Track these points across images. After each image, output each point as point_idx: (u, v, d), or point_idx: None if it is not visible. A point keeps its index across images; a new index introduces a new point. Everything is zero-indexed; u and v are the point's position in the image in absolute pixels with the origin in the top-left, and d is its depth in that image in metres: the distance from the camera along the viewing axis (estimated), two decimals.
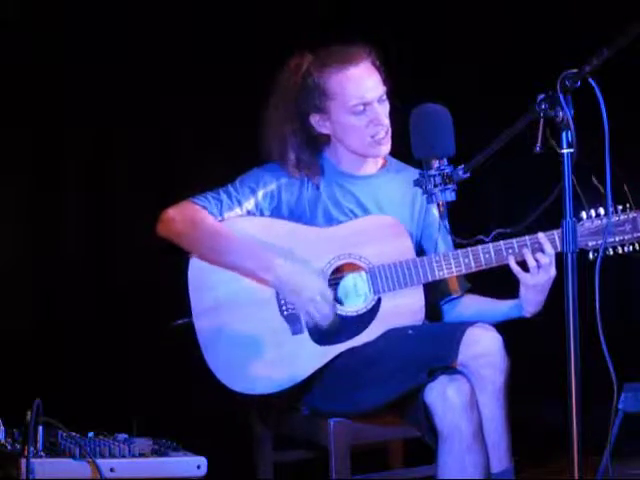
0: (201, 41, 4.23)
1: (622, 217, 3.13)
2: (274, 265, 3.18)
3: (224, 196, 3.29)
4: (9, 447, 2.76)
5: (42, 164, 4.18)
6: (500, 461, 3.08)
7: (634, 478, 3.83)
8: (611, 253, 3.10)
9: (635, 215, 3.13)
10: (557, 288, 2.52)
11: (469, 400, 3.01)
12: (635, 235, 3.13)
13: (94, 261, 4.26)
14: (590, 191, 2.71)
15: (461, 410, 2.99)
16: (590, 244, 3.10)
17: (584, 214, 3.11)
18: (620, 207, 3.12)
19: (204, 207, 3.26)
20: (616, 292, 4.54)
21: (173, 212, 3.29)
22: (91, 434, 2.84)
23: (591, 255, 3.08)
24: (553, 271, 3.12)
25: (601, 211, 3.12)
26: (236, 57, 4.24)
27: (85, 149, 4.21)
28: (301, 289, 3.16)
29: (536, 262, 3.11)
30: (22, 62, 4.06)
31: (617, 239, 3.11)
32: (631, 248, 3.13)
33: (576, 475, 2.41)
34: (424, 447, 3.12)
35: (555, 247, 3.11)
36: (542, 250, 3.11)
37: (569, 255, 2.47)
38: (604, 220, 3.11)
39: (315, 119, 3.30)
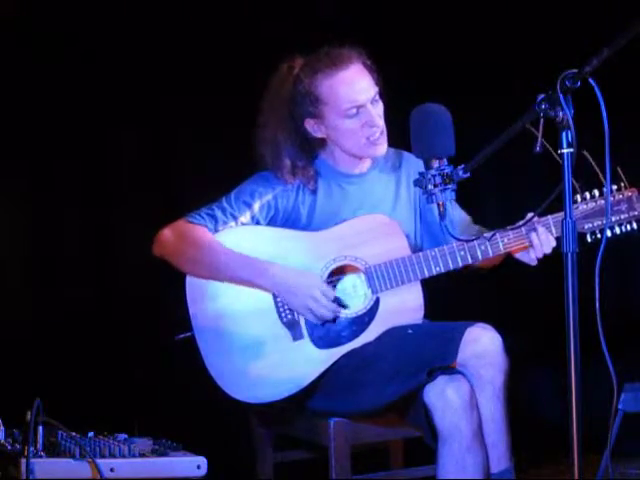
0: (200, 41, 4.23)
1: (618, 197, 3.13)
2: (269, 270, 3.18)
3: (218, 212, 3.27)
4: (9, 447, 2.76)
5: (42, 165, 4.18)
6: (500, 461, 3.09)
7: (634, 478, 3.83)
8: (608, 234, 3.09)
9: (630, 194, 3.13)
10: (557, 287, 2.51)
11: (469, 400, 3.01)
12: (631, 214, 3.13)
13: (94, 260, 4.25)
14: (580, 171, 2.69)
15: (461, 410, 2.99)
16: (586, 227, 3.11)
17: (578, 197, 3.11)
18: (615, 187, 3.11)
19: (199, 225, 3.25)
20: (616, 291, 4.54)
21: (168, 232, 3.28)
22: (91, 434, 2.84)
23: (589, 238, 3.09)
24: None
25: (595, 193, 3.12)
26: (235, 57, 4.24)
27: (85, 150, 4.21)
28: (298, 287, 3.17)
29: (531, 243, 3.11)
30: (22, 62, 4.06)
31: (614, 219, 3.11)
32: (628, 227, 3.13)
33: (576, 475, 2.41)
34: (424, 447, 3.12)
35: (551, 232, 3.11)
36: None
37: (569, 255, 2.47)
38: (599, 202, 3.11)
39: (310, 124, 3.29)
